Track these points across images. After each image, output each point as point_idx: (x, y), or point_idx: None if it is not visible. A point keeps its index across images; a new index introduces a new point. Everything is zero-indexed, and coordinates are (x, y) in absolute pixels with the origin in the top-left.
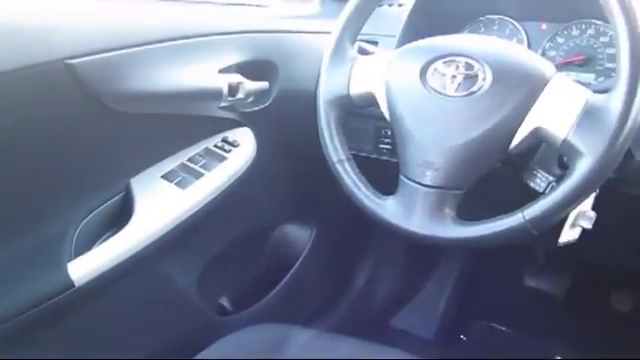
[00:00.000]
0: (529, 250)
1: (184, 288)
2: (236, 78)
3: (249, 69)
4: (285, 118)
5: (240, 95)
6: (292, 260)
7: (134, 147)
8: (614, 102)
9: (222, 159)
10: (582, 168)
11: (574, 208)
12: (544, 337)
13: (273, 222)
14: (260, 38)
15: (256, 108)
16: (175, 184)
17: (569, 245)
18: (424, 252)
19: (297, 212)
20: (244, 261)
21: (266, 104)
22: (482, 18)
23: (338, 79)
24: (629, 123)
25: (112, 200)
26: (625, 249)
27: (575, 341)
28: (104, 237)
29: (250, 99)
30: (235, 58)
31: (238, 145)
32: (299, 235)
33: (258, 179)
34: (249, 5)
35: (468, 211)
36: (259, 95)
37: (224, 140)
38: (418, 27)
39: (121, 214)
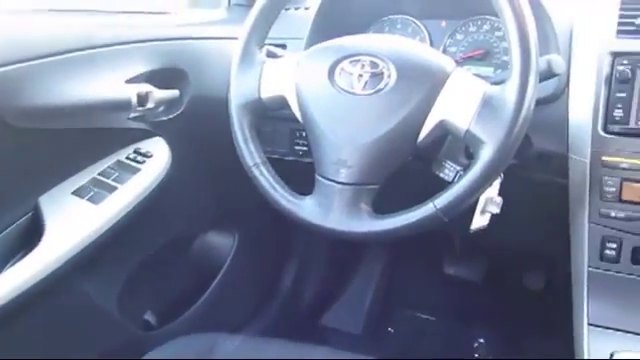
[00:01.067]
0: (447, 239)
1: (105, 305)
2: (145, 87)
3: (158, 78)
4: (198, 125)
5: (150, 105)
6: (216, 268)
7: (41, 164)
8: (509, 92)
9: (135, 171)
10: (485, 156)
11: (480, 194)
12: (467, 322)
13: (194, 231)
14: (167, 46)
15: (168, 117)
16: (87, 200)
17: (482, 231)
18: (347, 250)
19: (218, 219)
20: (167, 273)
21: (178, 112)
22: (386, 18)
23: (248, 83)
24: (524, 111)
25: (20, 220)
26: (532, 230)
27: (496, 322)
28: (14, 259)
29: (161, 108)
30: (143, 67)
31: (151, 156)
32: (222, 242)
33: (175, 189)
34: (154, 13)
35: (384, 205)
36: (170, 104)
37: (136, 151)
38: (324, 29)
39: (31, 234)
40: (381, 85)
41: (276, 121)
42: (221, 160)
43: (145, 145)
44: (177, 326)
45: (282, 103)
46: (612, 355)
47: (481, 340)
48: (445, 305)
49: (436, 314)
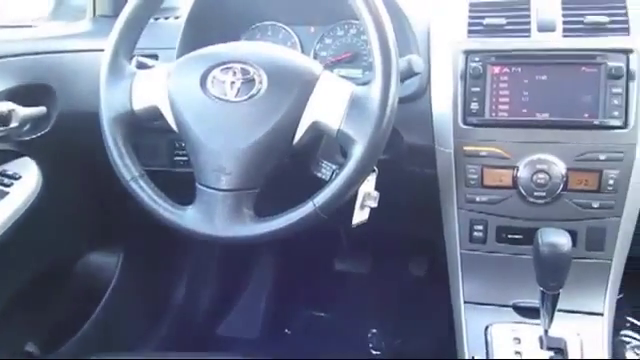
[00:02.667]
0: (335, 237)
1: None
2: (6, 106)
3: (22, 95)
4: (70, 142)
5: (14, 123)
6: (102, 290)
7: None
8: (374, 92)
9: (2, 195)
10: (356, 153)
11: (356, 189)
12: (360, 314)
13: (74, 254)
14: (30, 61)
15: (35, 136)
16: None
17: (364, 225)
18: (238, 258)
19: (100, 239)
20: (47, 300)
21: (46, 130)
22: (257, 25)
23: (119, 96)
24: (388, 109)
25: None
26: (410, 220)
27: (386, 311)
28: None
29: (27, 127)
30: (3, 84)
31: (19, 177)
32: (106, 262)
33: (48, 211)
34: (13, 27)
35: (270, 207)
36: (36, 121)
37: (2, 174)
38: (195, 37)
39: None
40: (253, 91)
41: (154, 134)
42: (98, 177)
43: (12, 167)
44: (63, 354)
45: (156, 114)
46: (487, 328)
47: (374, 330)
48: (338, 300)
49: (330, 310)
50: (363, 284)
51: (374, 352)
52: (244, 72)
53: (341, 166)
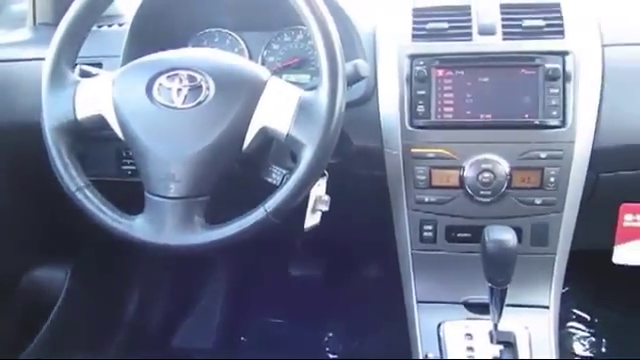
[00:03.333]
0: (289, 242)
1: None
2: None
3: None
4: (11, 155)
5: None
6: (49, 305)
7: None
8: (321, 97)
9: None
10: (306, 157)
11: (306, 193)
12: (316, 319)
13: (19, 269)
14: None
15: None
16: None
17: (317, 229)
18: (191, 267)
19: (46, 254)
20: None
21: None
22: (203, 32)
23: (62, 105)
24: (336, 113)
25: None
26: (362, 222)
27: (342, 315)
28: None
29: None
30: None
31: None
32: (53, 277)
33: None
34: None
35: (220, 214)
36: None
37: None
38: (141, 45)
39: None
40: (201, 98)
41: (100, 143)
42: (41, 190)
43: None
44: None
45: (101, 123)
46: (439, 325)
47: (330, 334)
48: (293, 306)
49: (286, 316)
50: (318, 288)
51: (331, 356)
52: (191, 79)
53: (291, 171)
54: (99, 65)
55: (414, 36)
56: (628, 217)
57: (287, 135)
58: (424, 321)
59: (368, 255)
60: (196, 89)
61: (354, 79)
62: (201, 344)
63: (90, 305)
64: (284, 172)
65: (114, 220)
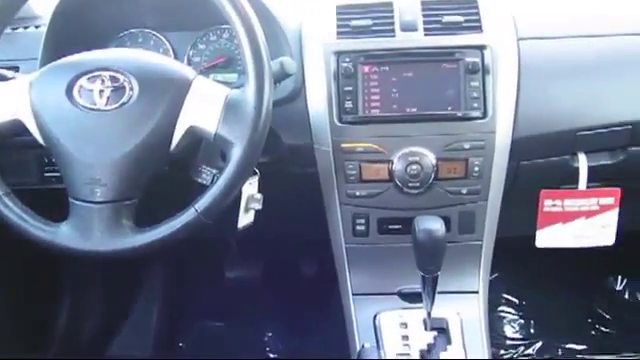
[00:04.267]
0: (224, 244)
1: None
2: None
3: None
4: None
5: None
6: None
7: None
8: (248, 95)
9: None
10: (235, 155)
11: (237, 192)
12: (255, 320)
13: None
14: None
15: None
16: None
17: (252, 228)
18: (124, 273)
19: None
20: None
21: None
22: (126, 32)
23: None
24: (264, 110)
25: None
26: (297, 219)
27: (281, 314)
28: None
29: None
30: None
31: None
32: None
33: None
34: None
35: (151, 217)
36: None
37: None
38: (60, 47)
39: None
40: (124, 99)
41: (20, 150)
42: None
43: None
44: None
45: (19, 128)
46: (375, 316)
47: (269, 334)
48: (231, 308)
49: (224, 319)
50: (256, 289)
51: (272, 355)
52: (113, 79)
53: (222, 170)
54: (15, 69)
55: (339, 33)
56: (548, 202)
57: (215, 134)
58: (360, 313)
59: (304, 252)
60: (119, 90)
61: (281, 76)
62: (137, 352)
63: (16, 323)
64: (214, 172)
65: (37, 228)
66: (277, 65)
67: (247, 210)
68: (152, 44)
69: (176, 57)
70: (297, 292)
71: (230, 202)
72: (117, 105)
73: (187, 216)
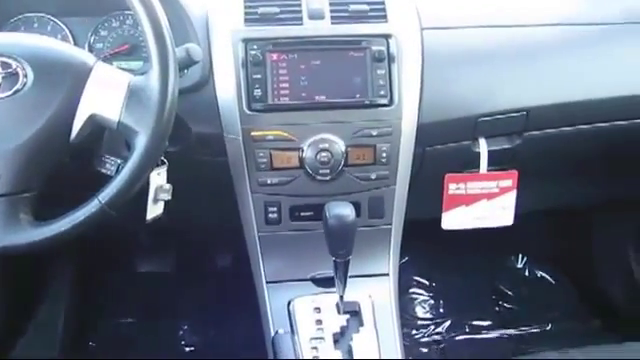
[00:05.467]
0: (133, 237)
1: None
2: None
3: None
4: None
5: None
6: None
7: None
8: (152, 82)
9: None
10: (140, 144)
11: (142, 182)
12: (169, 315)
13: None
14: None
15: None
16: None
17: (163, 220)
18: (27, 270)
19: None
20: None
21: None
22: (20, 17)
23: None
24: (169, 97)
25: None
26: (209, 210)
27: (196, 306)
28: None
29: None
30: None
31: None
32: None
33: None
34: None
35: (53, 210)
36: None
37: None
38: None
39: None
40: (18, 86)
41: None
42: None
43: None
44: None
45: None
46: (289, 303)
47: (185, 327)
48: (144, 303)
49: (137, 315)
50: (169, 282)
51: (187, 349)
52: (5, 65)
53: (126, 159)
54: None
55: (246, 20)
56: (452, 186)
57: (118, 122)
58: (274, 300)
59: (218, 242)
60: (11, 77)
61: (186, 63)
62: (45, 353)
63: None
64: (119, 162)
65: None
66: (182, 52)
67: (156, 201)
68: (49, 29)
69: (76, 43)
70: (211, 283)
71: (136, 193)
72: (10, 93)
73: (90, 208)
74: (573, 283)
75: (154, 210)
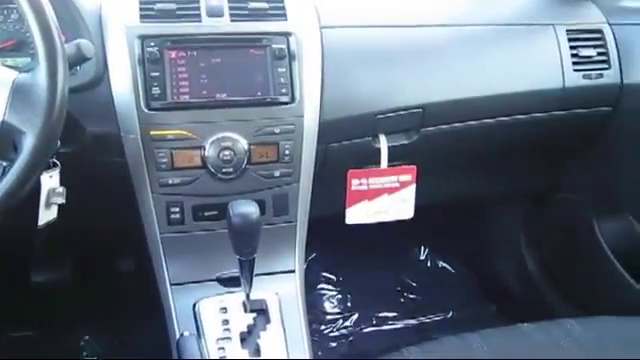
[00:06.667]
0: (26, 244)
1: None
2: None
3: None
4: None
5: None
6: None
7: None
8: (39, 78)
9: None
10: (27, 145)
11: (31, 185)
12: (69, 326)
13: None
14: None
15: None
16: None
17: (59, 226)
18: None
19: None
20: None
21: None
22: None
23: None
24: (58, 95)
25: None
26: (108, 213)
27: (99, 315)
28: None
29: None
30: None
31: None
32: None
33: None
34: None
35: None
36: None
37: None
38: None
39: None
40: None
41: None
42: None
43: None
44: None
45: None
46: (195, 305)
47: (86, 337)
48: (41, 316)
49: (34, 328)
50: (67, 292)
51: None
52: None
53: (13, 161)
54: None
55: (142, 16)
56: (355, 182)
57: (2, 122)
58: (179, 303)
59: (120, 245)
60: None
61: (78, 60)
62: None
63: None
64: (4, 164)
65: None
66: (73, 48)
67: (48, 205)
68: None
69: None
70: (114, 288)
71: (24, 197)
72: None
73: None
74: (471, 271)
75: (47, 215)
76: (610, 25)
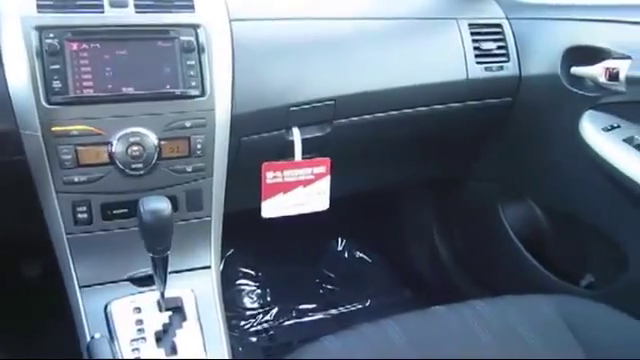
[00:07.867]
0: None
1: None
2: None
3: None
4: None
5: None
6: None
7: None
8: None
9: None
10: None
11: None
12: None
13: None
14: None
15: None
16: None
17: None
18: None
19: None
20: None
21: None
22: None
23: None
24: None
25: None
26: (8, 216)
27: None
28: None
29: None
30: None
31: None
32: None
33: None
34: None
35: None
36: None
37: None
38: None
39: None
40: None
41: None
42: None
43: None
44: None
45: None
46: (106, 306)
47: None
48: None
49: None
50: None
51: None
52: None
53: None
54: None
55: (39, 7)
56: (269, 174)
57: None
58: (89, 305)
59: (25, 248)
60: None
61: None
62: None
63: None
64: None
65: None
66: None
67: None
68: None
69: None
70: (20, 297)
71: None
72: None
73: None
74: (387, 260)
75: None
76: (509, 20)
